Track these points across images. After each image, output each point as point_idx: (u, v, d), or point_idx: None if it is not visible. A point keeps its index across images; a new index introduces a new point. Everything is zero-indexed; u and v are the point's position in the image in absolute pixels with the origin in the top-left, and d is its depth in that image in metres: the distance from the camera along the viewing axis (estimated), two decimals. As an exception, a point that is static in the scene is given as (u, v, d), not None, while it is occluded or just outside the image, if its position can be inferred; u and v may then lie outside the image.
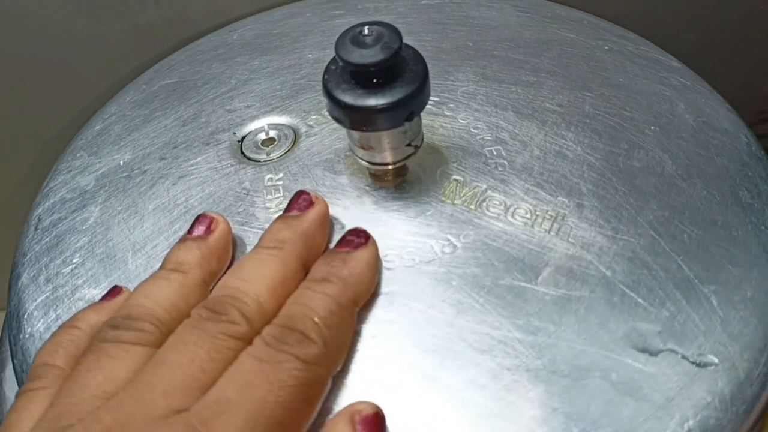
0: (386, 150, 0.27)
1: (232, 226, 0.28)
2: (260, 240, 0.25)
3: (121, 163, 0.32)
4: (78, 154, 0.33)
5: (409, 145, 0.27)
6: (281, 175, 0.30)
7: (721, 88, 0.32)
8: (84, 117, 0.36)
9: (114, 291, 0.26)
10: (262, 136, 0.32)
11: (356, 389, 0.23)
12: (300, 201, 0.26)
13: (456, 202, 0.28)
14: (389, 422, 0.23)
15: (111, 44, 0.42)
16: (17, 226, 0.32)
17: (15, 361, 0.27)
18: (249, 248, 0.27)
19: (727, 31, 0.51)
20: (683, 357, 0.24)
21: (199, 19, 0.41)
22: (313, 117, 0.32)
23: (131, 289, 0.25)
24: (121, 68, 0.42)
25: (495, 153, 0.29)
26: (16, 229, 0.32)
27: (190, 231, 0.26)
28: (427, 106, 0.26)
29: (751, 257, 0.26)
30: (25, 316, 0.27)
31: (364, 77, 0.24)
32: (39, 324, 0.27)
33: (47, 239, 0.29)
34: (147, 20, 0.41)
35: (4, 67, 0.42)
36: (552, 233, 0.27)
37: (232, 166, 0.30)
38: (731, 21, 0.50)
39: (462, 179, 0.29)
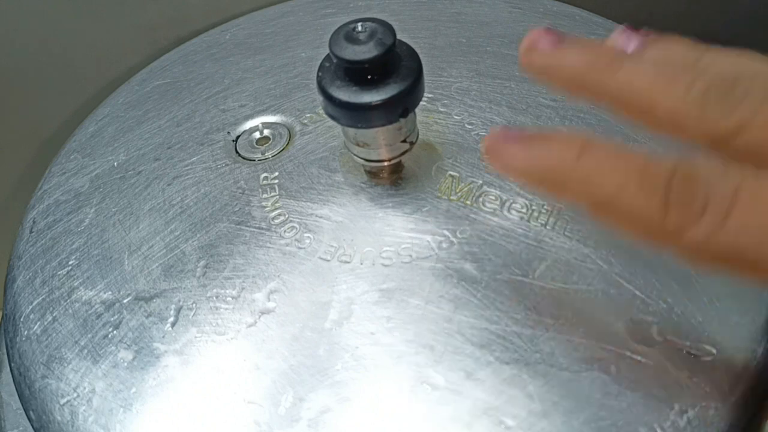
0: (381, 147, 0.27)
1: (227, 225, 0.28)
2: None
3: (116, 164, 0.32)
4: (72, 156, 0.33)
5: (404, 141, 0.27)
6: (276, 173, 0.30)
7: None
8: (82, 118, 0.36)
9: None
10: (257, 135, 0.31)
11: (355, 386, 0.23)
12: None
13: (452, 197, 0.28)
14: (388, 421, 0.23)
15: (110, 44, 0.42)
16: (12, 229, 0.32)
17: (12, 365, 0.27)
18: (244, 247, 0.27)
19: (727, 32, 0.51)
20: (681, 348, 0.24)
21: (198, 19, 0.41)
22: (308, 115, 0.32)
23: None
24: (120, 68, 0.42)
25: (490, 148, 0.29)
26: (11, 233, 0.31)
27: None
28: (422, 103, 0.26)
29: (746, 248, 0.26)
30: (22, 319, 0.27)
31: (358, 74, 0.24)
32: (35, 326, 0.27)
33: (42, 242, 0.29)
34: (146, 19, 0.41)
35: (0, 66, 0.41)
36: (548, 227, 0.27)
37: (227, 165, 0.30)
38: (731, 21, 0.50)
39: (458, 175, 0.29)
